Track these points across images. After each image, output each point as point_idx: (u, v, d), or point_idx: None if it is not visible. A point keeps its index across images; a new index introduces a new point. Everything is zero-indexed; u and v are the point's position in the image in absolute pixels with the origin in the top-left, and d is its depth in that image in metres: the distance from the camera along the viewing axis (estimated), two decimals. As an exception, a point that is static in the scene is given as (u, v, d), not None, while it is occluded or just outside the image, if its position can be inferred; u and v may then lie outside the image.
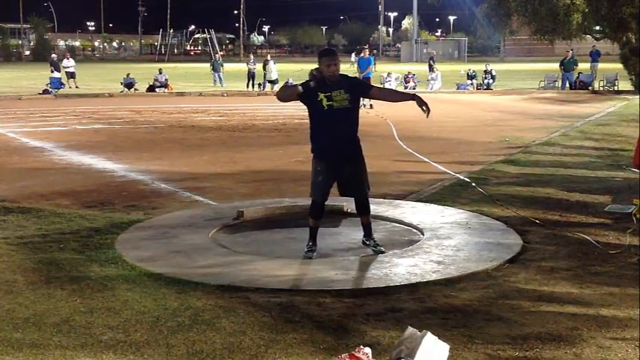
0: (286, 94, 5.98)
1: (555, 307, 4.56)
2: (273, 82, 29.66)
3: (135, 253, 5.85)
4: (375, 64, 24.23)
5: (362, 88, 6.03)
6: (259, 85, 29.87)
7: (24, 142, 13.99)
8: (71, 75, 31.48)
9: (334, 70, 5.57)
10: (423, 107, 5.60)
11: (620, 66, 27.43)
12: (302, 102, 5.78)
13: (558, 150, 11.95)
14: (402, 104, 6.22)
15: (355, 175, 5.82)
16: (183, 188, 9.01)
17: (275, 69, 30.17)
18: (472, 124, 16.76)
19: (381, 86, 5.65)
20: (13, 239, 6.34)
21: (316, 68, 5.67)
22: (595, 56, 31.05)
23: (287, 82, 29.51)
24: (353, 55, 34.43)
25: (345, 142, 5.72)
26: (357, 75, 20.30)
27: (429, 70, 31.96)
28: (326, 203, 5.99)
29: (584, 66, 30.14)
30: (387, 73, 30.42)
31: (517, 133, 14.59)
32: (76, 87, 30.54)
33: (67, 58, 32.48)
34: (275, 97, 5.88)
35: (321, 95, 5.56)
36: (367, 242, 6.01)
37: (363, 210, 5.98)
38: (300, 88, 5.61)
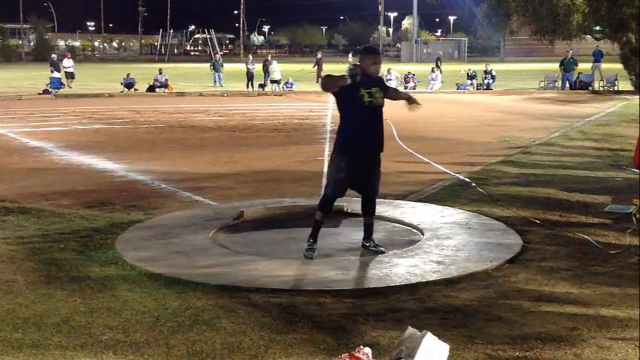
0: (332, 83, 5.82)
1: (555, 307, 4.56)
2: (276, 82, 29.72)
3: (135, 253, 5.85)
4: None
5: (385, 87, 6.02)
6: (260, 85, 29.83)
7: (24, 142, 13.98)
8: (70, 75, 31.47)
9: (377, 69, 5.75)
10: (414, 103, 5.80)
11: (620, 66, 27.44)
12: (338, 95, 5.73)
13: (558, 150, 11.95)
14: (403, 105, 6.26)
15: (372, 173, 5.85)
16: (183, 188, 9.01)
17: (278, 69, 30.23)
18: (472, 124, 16.76)
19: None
20: (13, 239, 6.34)
21: (355, 64, 5.70)
22: (598, 56, 31.01)
23: (287, 83, 29.67)
24: (350, 55, 34.51)
25: (376, 139, 5.77)
26: None
27: (434, 71, 32.06)
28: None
29: (584, 66, 30.14)
30: (387, 69, 30.42)
31: (517, 133, 14.59)
32: (69, 87, 30.35)
33: (68, 58, 32.47)
34: (319, 85, 5.87)
35: (363, 91, 5.60)
36: (367, 244, 6.02)
37: (369, 210, 6.00)
38: (348, 79, 5.55)
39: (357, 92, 5.60)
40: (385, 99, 5.85)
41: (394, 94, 6.23)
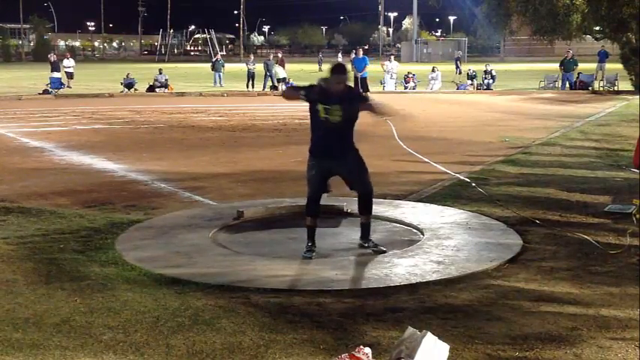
0: (290, 95, 6.32)
1: (555, 307, 4.56)
2: (283, 80, 29.76)
3: (135, 253, 5.85)
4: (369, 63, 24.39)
5: (356, 103, 5.94)
6: (272, 87, 29.68)
7: (24, 142, 13.98)
8: (69, 75, 31.42)
9: (341, 89, 5.76)
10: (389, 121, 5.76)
11: (620, 66, 27.44)
12: (307, 102, 5.95)
13: (558, 150, 11.95)
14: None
15: (353, 169, 5.90)
16: (183, 188, 9.01)
17: (281, 70, 30.25)
18: (472, 124, 16.75)
19: (373, 100, 5.63)
20: (13, 239, 6.34)
21: (324, 79, 5.77)
22: (603, 57, 30.99)
23: (287, 83, 29.66)
24: (339, 54, 34.51)
25: (336, 150, 5.86)
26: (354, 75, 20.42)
27: (457, 73, 32.36)
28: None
29: (584, 66, 30.12)
30: (389, 61, 30.53)
31: (517, 133, 14.59)
32: (69, 87, 30.35)
33: (68, 58, 32.45)
34: (282, 95, 6.29)
35: (320, 106, 5.75)
36: (365, 244, 6.01)
37: (365, 208, 5.99)
38: (302, 95, 5.85)
39: (315, 105, 5.77)
40: (368, 112, 5.88)
41: (373, 110, 5.99)
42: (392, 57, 31.09)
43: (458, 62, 34.85)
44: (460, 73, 35.32)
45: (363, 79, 20.13)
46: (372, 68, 28.20)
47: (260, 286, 4.98)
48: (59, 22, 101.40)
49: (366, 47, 25.66)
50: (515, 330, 4.17)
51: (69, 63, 31.80)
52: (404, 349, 3.53)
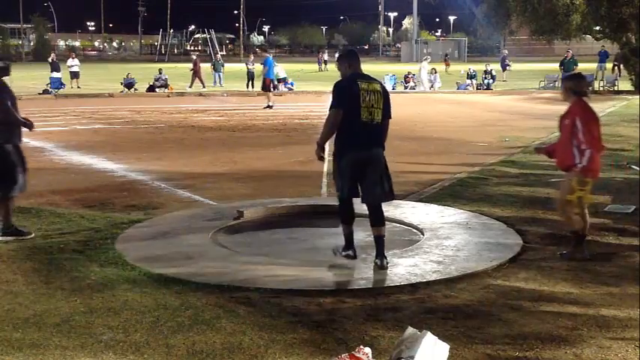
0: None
1: (555, 307, 4.57)
2: (283, 80, 29.63)
3: (135, 253, 5.85)
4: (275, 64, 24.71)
5: None
6: (274, 87, 29.59)
7: (24, 142, 13.90)
8: (74, 75, 31.32)
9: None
10: None
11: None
12: None
13: (558, 150, 11.94)
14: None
15: None
16: (183, 188, 9.01)
17: (280, 68, 30.17)
18: (472, 124, 16.76)
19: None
20: (13, 239, 6.33)
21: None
22: (603, 57, 31.02)
23: (287, 83, 29.64)
24: (337, 54, 34.52)
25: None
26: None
27: (502, 71, 32.41)
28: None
29: (584, 66, 30.12)
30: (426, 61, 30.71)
31: (517, 133, 14.59)
32: (78, 87, 30.41)
33: (72, 58, 32.30)
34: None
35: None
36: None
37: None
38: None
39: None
40: None
41: None
42: (429, 57, 31.53)
43: (505, 60, 34.79)
44: (508, 69, 34.96)
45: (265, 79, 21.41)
46: (374, 68, 28.12)
47: (260, 286, 4.98)
48: (59, 22, 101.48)
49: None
50: (515, 330, 4.17)
51: (73, 62, 31.54)
52: (404, 349, 3.53)
